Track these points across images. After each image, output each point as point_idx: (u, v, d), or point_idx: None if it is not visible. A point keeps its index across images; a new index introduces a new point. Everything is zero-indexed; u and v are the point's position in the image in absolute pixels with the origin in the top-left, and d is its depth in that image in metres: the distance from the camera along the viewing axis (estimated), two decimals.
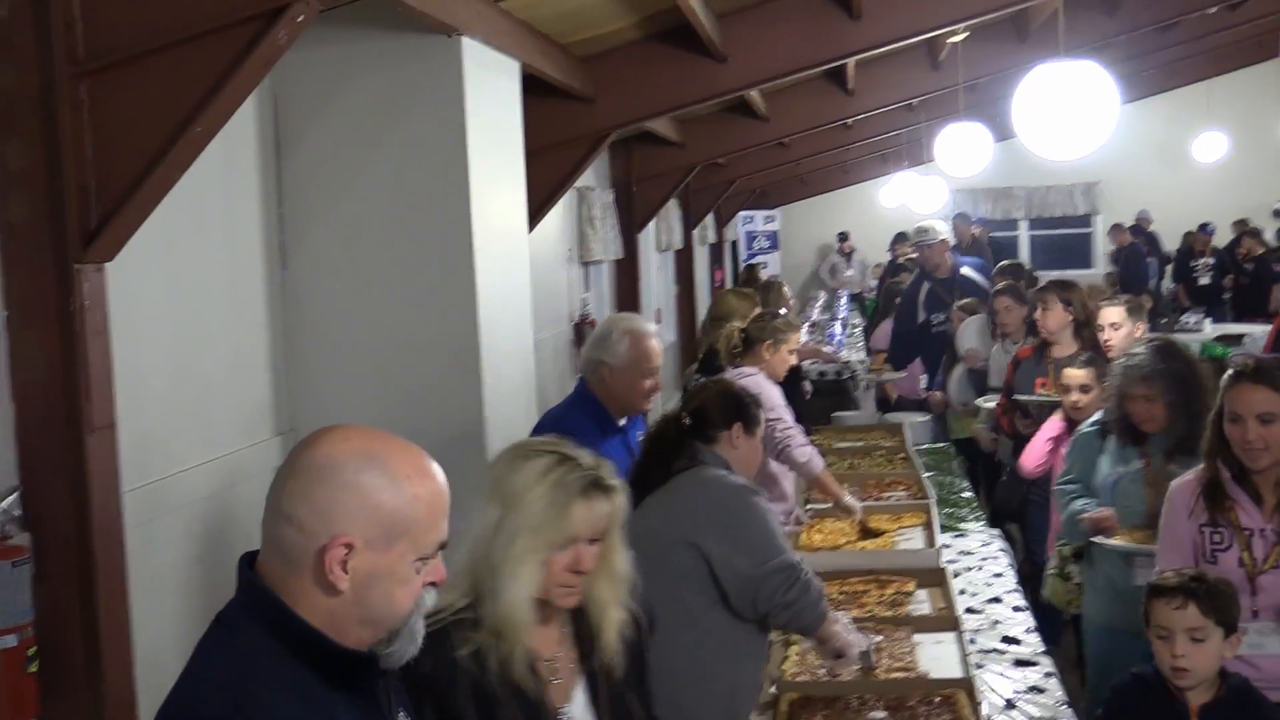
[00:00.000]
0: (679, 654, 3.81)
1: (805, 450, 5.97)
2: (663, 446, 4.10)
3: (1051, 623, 5.93)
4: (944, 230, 10.50)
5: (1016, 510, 7.10)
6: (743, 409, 4.25)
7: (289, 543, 2.04)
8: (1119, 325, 6.34)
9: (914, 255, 12.94)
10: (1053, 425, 6.17)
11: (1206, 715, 3.58)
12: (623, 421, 5.03)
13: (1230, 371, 4.03)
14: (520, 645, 2.66)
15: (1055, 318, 6.92)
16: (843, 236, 22.38)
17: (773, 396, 6.01)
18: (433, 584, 2.13)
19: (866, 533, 6.06)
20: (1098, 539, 4.80)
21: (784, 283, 10.19)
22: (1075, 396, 5.93)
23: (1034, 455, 6.29)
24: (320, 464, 2.05)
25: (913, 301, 10.18)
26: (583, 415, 4.92)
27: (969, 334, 8.81)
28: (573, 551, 2.72)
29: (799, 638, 4.56)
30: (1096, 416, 5.20)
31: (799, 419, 6.66)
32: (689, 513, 3.94)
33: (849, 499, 6.12)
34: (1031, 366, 7.05)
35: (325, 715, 2.01)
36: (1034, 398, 6.86)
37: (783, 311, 7.16)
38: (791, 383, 8.11)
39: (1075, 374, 5.98)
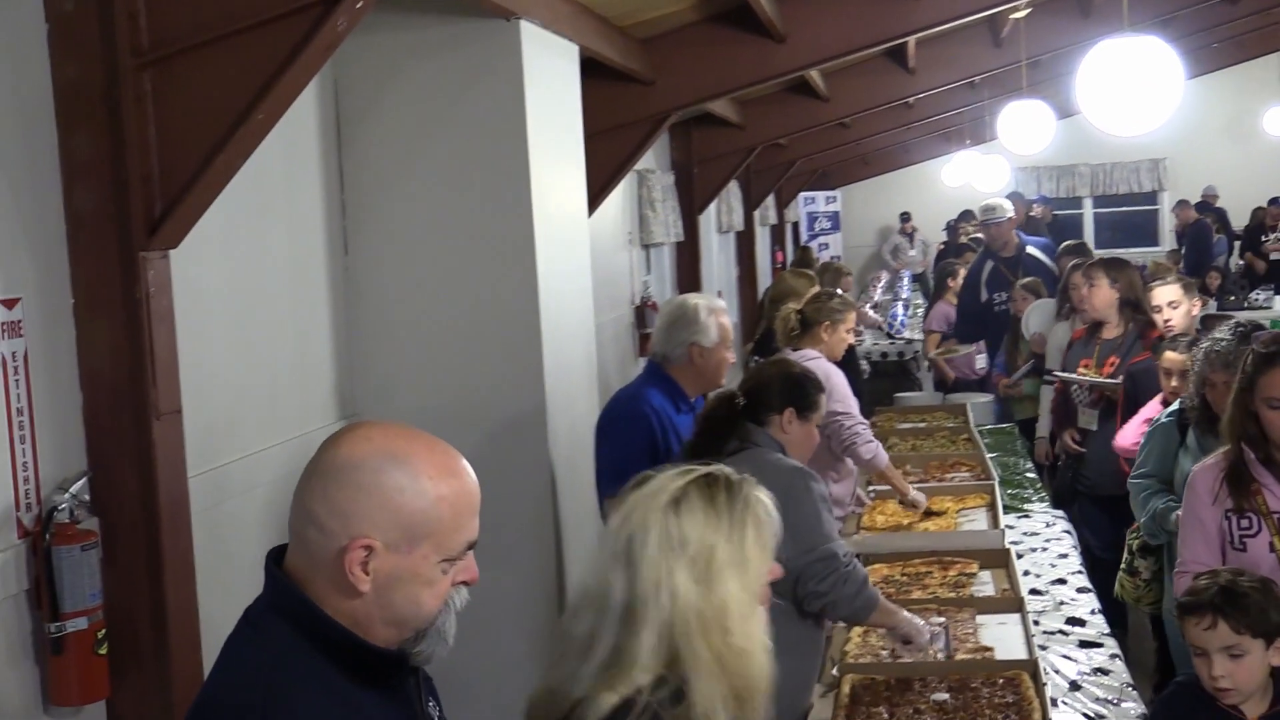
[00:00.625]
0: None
1: (870, 447, 5.93)
2: (715, 425, 4.08)
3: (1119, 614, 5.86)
4: (1010, 209, 10.37)
5: (1068, 498, 6.92)
6: (798, 393, 4.23)
7: (312, 542, 2.02)
8: (1177, 303, 6.21)
9: (978, 234, 12.86)
10: (1151, 407, 5.76)
11: None
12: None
13: (1255, 354, 3.82)
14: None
15: (1102, 295, 6.71)
16: (905, 217, 22.21)
17: (840, 386, 5.97)
18: (464, 583, 2.09)
19: (928, 513, 6.03)
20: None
21: (844, 264, 10.11)
22: (1175, 383, 5.39)
23: (1129, 434, 5.86)
24: (341, 463, 2.02)
25: (976, 280, 10.06)
26: (659, 393, 5.02)
27: (1035, 318, 8.69)
28: (771, 567, 2.45)
29: None
30: (1174, 406, 4.99)
31: (856, 396, 6.69)
32: None
33: (914, 494, 6.08)
34: (1080, 349, 6.92)
35: (354, 712, 1.99)
36: (1078, 378, 6.75)
37: (839, 292, 7.08)
38: (848, 362, 8.10)
39: (1174, 357, 5.48)
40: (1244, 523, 3.86)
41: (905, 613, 4.16)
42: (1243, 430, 3.83)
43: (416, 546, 2.01)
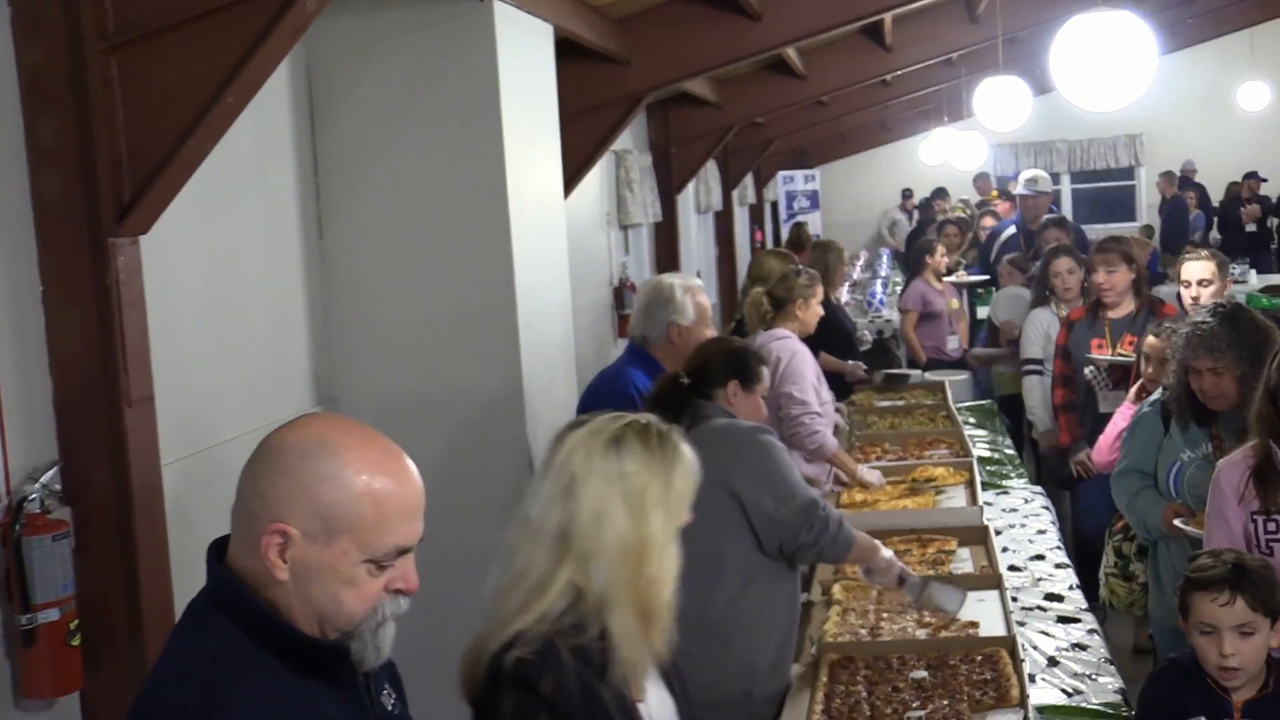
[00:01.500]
0: (742, 609, 3.93)
1: (815, 437, 5.92)
2: (663, 407, 4.05)
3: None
4: (1048, 182, 10.63)
5: (1066, 479, 6.83)
6: (740, 366, 4.25)
7: (243, 527, 1.99)
8: (1209, 281, 5.80)
9: (992, 207, 13.01)
10: (1123, 415, 5.61)
11: (1253, 712, 3.27)
12: None
13: None
14: (658, 649, 2.55)
15: (1121, 279, 6.55)
16: (906, 194, 22.21)
17: (800, 368, 5.99)
18: (399, 592, 2.02)
19: (914, 489, 6.02)
20: (1179, 522, 4.34)
21: (838, 241, 10.07)
22: (1152, 370, 5.33)
23: (1104, 449, 5.70)
24: (273, 447, 1.99)
25: (991, 242, 10.28)
26: (641, 373, 5.04)
27: (1004, 305, 8.64)
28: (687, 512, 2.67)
29: (840, 598, 4.55)
30: (1156, 395, 4.78)
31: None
32: (716, 460, 3.94)
33: (865, 473, 6.09)
34: (1086, 328, 6.69)
35: (295, 704, 1.95)
36: (1107, 358, 6.51)
37: (804, 267, 7.05)
38: (846, 343, 8.09)
39: (1155, 343, 5.35)
40: (1270, 525, 3.71)
41: (884, 550, 4.22)
42: (1272, 426, 3.67)
43: (335, 540, 1.95)
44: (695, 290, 5.25)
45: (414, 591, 2.04)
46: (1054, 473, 7.11)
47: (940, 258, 10.21)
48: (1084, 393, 6.71)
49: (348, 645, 2.00)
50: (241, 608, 1.96)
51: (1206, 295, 5.72)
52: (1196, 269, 5.86)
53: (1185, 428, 4.47)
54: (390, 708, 2.15)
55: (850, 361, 7.94)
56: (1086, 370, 6.66)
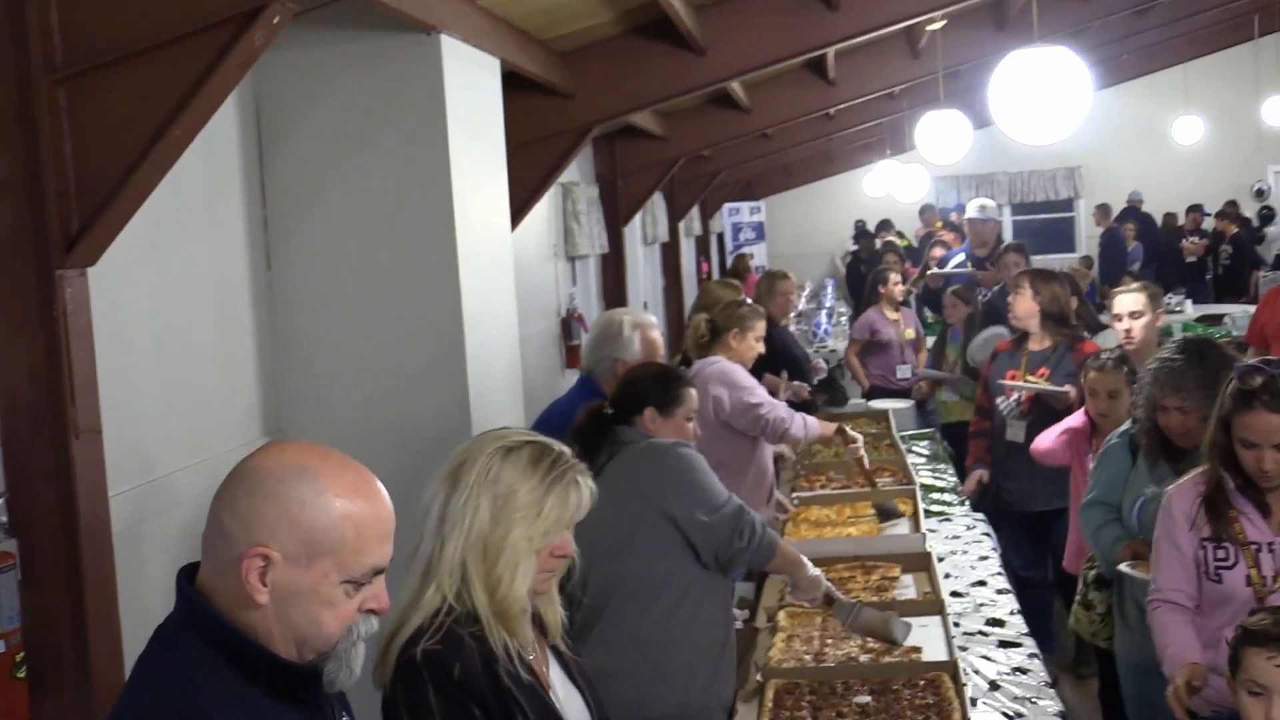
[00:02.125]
0: (676, 625, 3.98)
1: (799, 423, 5.96)
2: (584, 439, 4.06)
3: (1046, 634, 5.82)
4: (995, 210, 11.07)
5: (991, 517, 6.66)
6: (656, 391, 4.26)
7: (218, 552, 2.00)
8: (1139, 313, 5.82)
9: (942, 238, 13.17)
10: (1076, 417, 5.72)
11: None
12: None
13: (1237, 388, 3.57)
14: (522, 632, 2.70)
15: (1024, 305, 6.68)
16: (860, 224, 22.35)
17: (745, 379, 6.02)
18: (372, 611, 2.05)
19: (885, 515, 6.06)
20: (1124, 567, 4.32)
21: (784, 270, 10.10)
22: (1104, 405, 5.34)
23: (1046, 440, 5.77)
24: (250, 472, 2.01)
25: (942, 266, 10.45)
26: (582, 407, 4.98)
27: (980, 346, 8.56)
28: (560, 538, 2.77)
29: (785, 625, 4.58)
30: (1125, 426, 4.70)
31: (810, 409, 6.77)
32: (643, 483, 4.00)
33: (850, 435, 6.15)
34: (1006, 359, 6.85)
35: None
36: (1016, 384, 6.62)
37: (748, 300, 7.09)
38: (797, 369, 8.12)
39: (1099, 377, 5.36)
40: (1220, 553, 3.68)
41: (810, 566, 4.33)
42: (1224, 457, 3.65)
43: (316, 562, 1.98)
44: (645, 327, 5.27)
45: (385, 611, 2.08)
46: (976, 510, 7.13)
47: (894, 286, 10.26)
48: (998, 423, 6.82)
49: (321, 668, 2.02)
50: (217, 632, 1.97)
51: (1138, 327, 5.78)
52: (1127, 301, 5.89)
53: (1154, 463, 4.43)
54: None
55: (795, 382, 7.98)
56: (999, 400, 6.75)
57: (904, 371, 9.88)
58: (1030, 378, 6.58)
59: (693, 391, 4.36)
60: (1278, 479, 3.57)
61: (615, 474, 3.96)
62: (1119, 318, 5.89)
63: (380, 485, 2.08)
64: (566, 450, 2.85)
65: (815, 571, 4.36)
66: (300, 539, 1.97)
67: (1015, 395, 6.61)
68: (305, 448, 2.06)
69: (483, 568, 2.68)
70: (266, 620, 1.97)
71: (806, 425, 5.99)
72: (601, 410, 4.23)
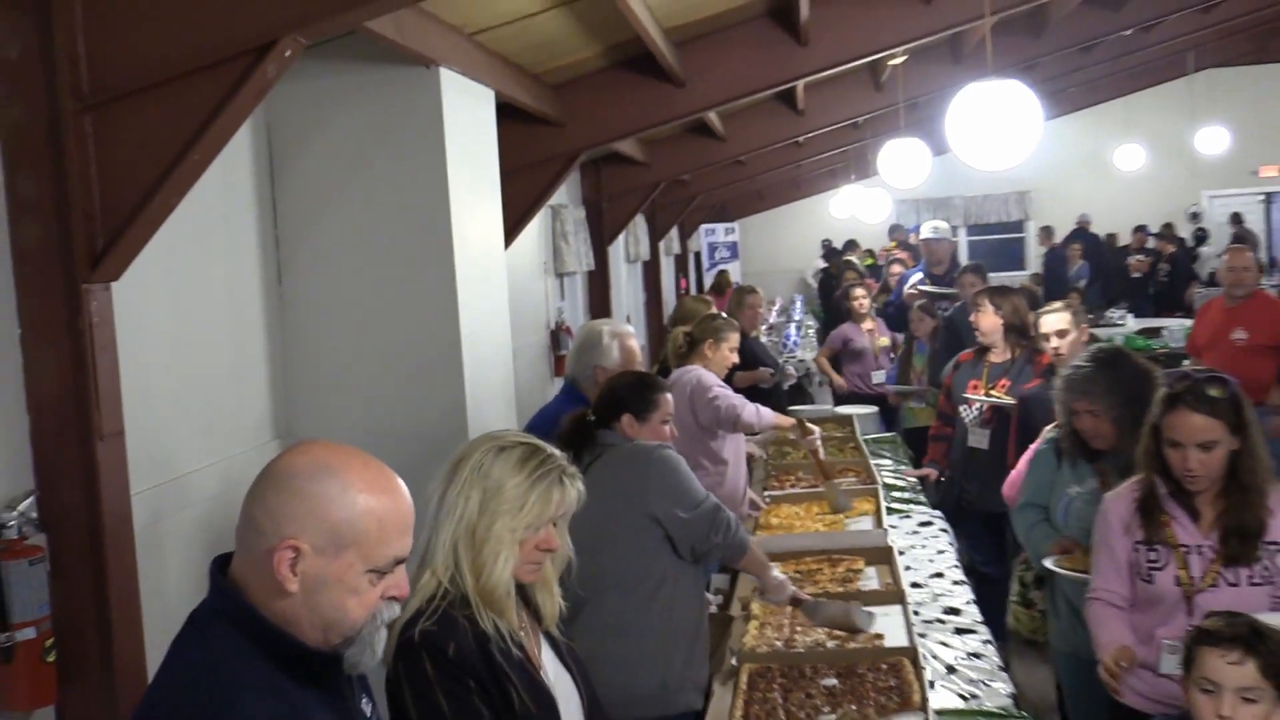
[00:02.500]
0: (653, 613, 4.00)
1: (749, 410, 5.93)
2: (566, 442, 4.06)
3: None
4: (947, 230, 10.99)
5: (953, 516, 6.54)
6: (632, 399, 4.26)
7: (250, 545, 2.01)
8: (1066, 332, 5.80)
9: (899, 255, 13.17)
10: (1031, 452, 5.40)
11: None
12: None
13: (1165, 392, 3.59)
14: (507, 614, 2.72)
15: (988, 320, 6.65)
16: (827, 243, 22.37)
17: (710, 379, 6.02)
18: (394, 598, 2.07)
19: (835, 510, 6.06)
20: (1049, 562, 4.29)
21: (754, 286, 10.16)
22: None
23: (1011, 485, 5.29)
24: (279, 471, 2.03)
25: (901, 286, 10.39)
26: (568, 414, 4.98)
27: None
28: (544, 533, 2.79)
29: (758, 613, 4.58)
30: (1051, 433, 4.67)
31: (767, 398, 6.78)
32: (628, 483, 4.01)
33: (808, 428, 6.13)
34: (969, 370, 6.80)
35: (293, 709, 1.96)
36: (979, 398, 6.56)
37: (723, 314, 7.09)
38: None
39: None
40: (1152, 555, 3.64)
41: (775, 571, 4.45)
42: (1156, 463, 3.61)
43: (342, 553, 1.99)
44: (623, 336, 5.26)
45: (405, 597, 2.09)
46: (939, 509, 7.09)
47: (857, 300, 10.28)
48: (960, 430, 6.76)
49: (342, 653, 2.03)
50: (246, 619, 1.98)
51: (1065, 344, 5.74)
52: (1053, 321, 5.87)
53: (1074, 464, 4.44)
54: (369, 714, 2.18)
55: (760, 368, 7.95)
56: (962, 409, 6.71)
57: (879, 377, 9.87)
58: (992, 391, 6.56)
59: (668, 397, 4.36)
60: (1204, 480, 3.53)
61: (600, 474, 3.96)
62: (1047, 337, 5.87)
63: (400, 481, 2.10)
64: (558, 453, 2.88)
65: (781, 576, 4.46)
66: (327, 532, 1.98)
67: (977, 405, 6.59)
68: (331, 447, 2.07)
69: (470, 554, 2.72)
70: (296, 608, 1.99)
71: (759, 413, 5.98)
72: (584, 417, 4.24)
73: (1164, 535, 3.60)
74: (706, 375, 6.02)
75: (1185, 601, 3.52)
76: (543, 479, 2.79)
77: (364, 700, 2.19)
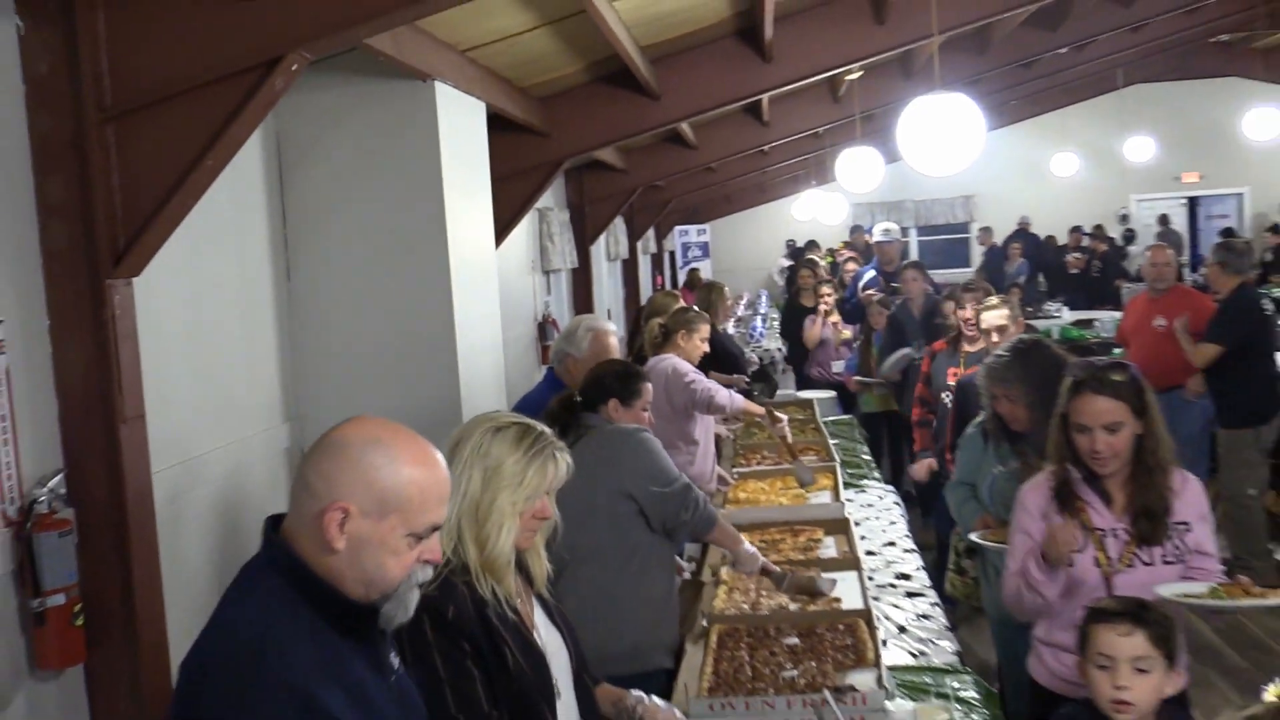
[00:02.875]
0: (626, 580, 4.01)
1: (723, 394, 5.95)
2: (553, 420, 4.07)
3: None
4: (897, 232, 11.07)
5: (934, 488, 6.48)
6: (619, 386, 4.26)
7: (302, 505, 2.04)
8: (1005, 328, 5.77)
9: (851, 256, 13.17)
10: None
11: None
12: None
13: (1070, 380, 3.44)
14: (506, 581, 2.73)
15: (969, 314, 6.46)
16: (790, 244, 22.37)
17: (685, 366, 6.03)
18: (428, 562, 2.09)
19: (802, 484, 6.07)
20: (974, 535, 4.30)
21: (721, 283, 10.16)
22: None
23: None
24: (334, 442, 2.06)
25: (855, 283, 10.37)
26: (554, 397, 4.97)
27: (890, 363, 8.50)
28: (540, 503, 2.80)
29: (727, 579, 4.59)
30: (980, 417, 4.62)
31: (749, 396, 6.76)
32: (608, 462, 4.01)
33: (777, 416, 6.12)
34: (945, 358, 6.70)
35: (334, 655, 1.99)
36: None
37: (694, 308, 7.09)
38: (733, 364, 8.12)
39: None
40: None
41: (746, 544, 4.41)
42: (1066, 451, 3.45)
43: (386, 517, 2.03)
44: (599, 331, 5.23)
45: (438, 562, 2.13)
46: (921, 494, 7.04)
47: (824, 297, 10.31)
48: (942, 414, 6.67)
49: (379, 607, 2.06)
50: (295, 572, 2.01)
51: (1004, 339, 5.57)
52: (992, 317, 5.85)
53: (998, 445, 4.41)
54: (396, 666, 2.20)
55: (734, 375, 7.98)
56: (944, 395, 6.63)
57: (838, 366, 9.89)
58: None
59: (649, 386, 4.37)
60: (1111, 462, 3.37)
61: (583, 453, 3.95)
62: (987, 333, 5.85)
63: (440, 456, 2.13)
64: (547, 430, 2.88)
65: (752, 549, 4.44)
66: (374, 497, 2.02)
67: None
68: (381, 423, 2.11)
69: (474, 527, 2.71)
70: (341, 565, 2.02)
71: (731, 398, 6.00)
72: (571, 399, 4.24)
73: (1080, 520, 3.43)
74: (681, 363, 6.03)
75: (1105, 583, 3.36)
76: (538, 455, 2.79)
77: (393, 655, 2.21)
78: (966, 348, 6.61)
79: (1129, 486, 3.41)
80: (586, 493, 3.83)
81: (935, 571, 5.34)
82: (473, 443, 2.78)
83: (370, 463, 2.03)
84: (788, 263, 21.23)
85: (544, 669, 2.73)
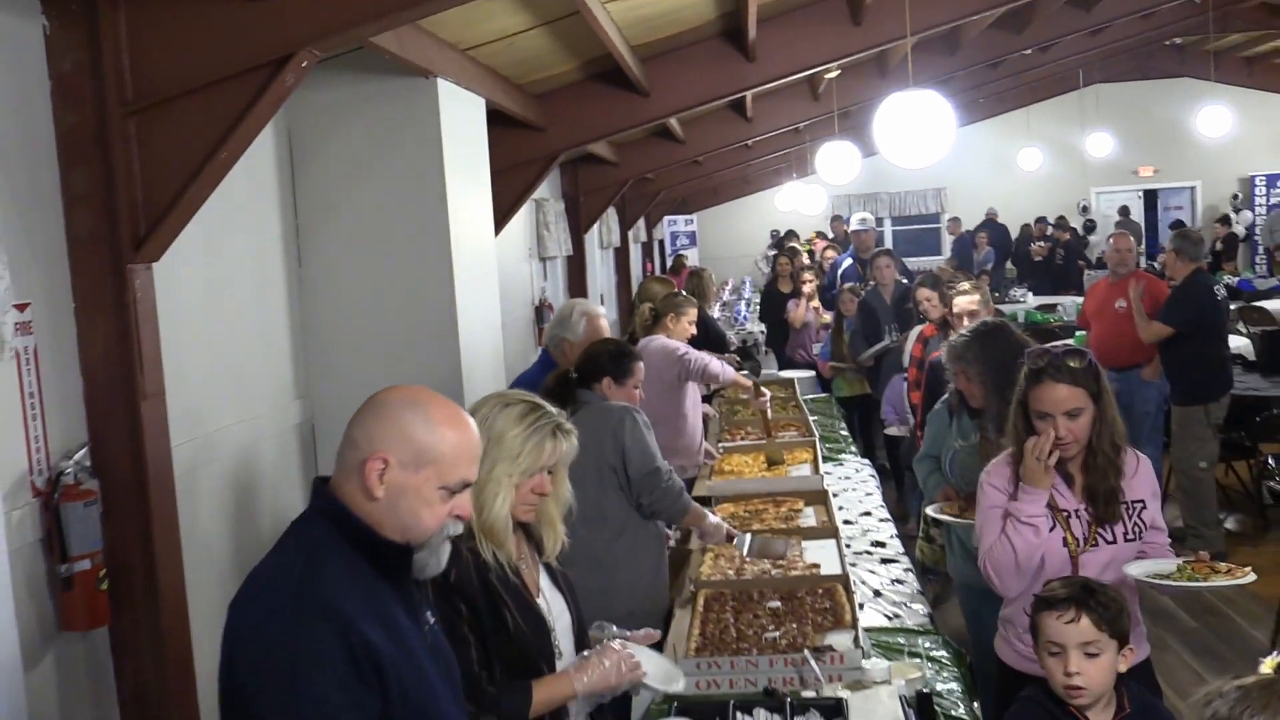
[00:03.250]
0: (619, 550, 4.04)
1: (715, 364, 5.96)
2: (550, 395, 4.06)
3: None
4: (872, 222, 10.94)
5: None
6: (613, 364, 4.27)
7: (346, 457, 2.11)
8: (976, 313, 5.66)
9: (832, 244, 13.11)
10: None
11: None
12: None
13: (1028, 368, 3.29)
14: (506, 546, 2.73)
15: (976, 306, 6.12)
16: (775, 233, 22.31)
17: (673, 343, 6.03)
18: (458, 517, 2.15)
19: (771, 462, 6.09)
20: (932, 510, 4.26)
21: (708, 270, 10.16)
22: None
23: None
24: (378, 402, 2.14)
25: (834, 271, 10.30)
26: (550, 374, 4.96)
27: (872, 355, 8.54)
28: (538, 478, 2.80)
29: (713, 549, 4.59)
30: (945, 395, 4.57)
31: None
32: (598, 437, 4.01)
33: (761, 391, 6.16)
34: (936, 344, 6.29)
35: (371, 591, 2.05)
36: None
37: (683, 292, 7.09)
38: (719, 344, 8.12)
39: None
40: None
41: (711, 518, 4.42)
42: (1025, 436, 3.29)
43: (422, 469, 2.09)
44: (591, 315, 5.21)
45: (468, 517, 2.19)
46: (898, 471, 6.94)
47: (807, 284, 10.32)
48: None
49: (415, 548, 2.12)
50: (341, 517, 2.09)
51: (973, 321, 5.40)
52: (963, 302, 5.78)
53: (960, 420, 4.36)
54: (432, 623, 2.24)
55: (724, 355, 7.98)
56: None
57: (816, 349, 9.89)
58: None
59: (641, 365, 4.37)
60: (1073, 446, 3.25)
61: (576, 426, 3.96)
62: (960, 317, 5.75)
63: (472, 421, 2.20)
64: (556, 411, 2.89)
65: (715, 519, 4.45)
66: (411, 450, 2.09)
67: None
68: (420, 389, 2.19)
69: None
70: (380, 512, 2.08)
71: (724, 367, 6.01)
72: (567, 375, 4.24)
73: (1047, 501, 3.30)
74: (670, 341, 6.04)
75: (1071, 562, 3.25)
76: (538, 432, 2.80)
77: (428, 612, 2.25)
78: (955, 333, 6.39)
79: (1085, 468, 3.31)
80: (577, 465, 3.82)
81: (907, 541, 5.35)
82: (481, 414, 2.79)
83: (408, 419, 2.10)
84: (772, 252, 21.21)
85: (544, 631, 2.73)
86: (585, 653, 2.80)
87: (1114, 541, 3.29)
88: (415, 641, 2.11)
